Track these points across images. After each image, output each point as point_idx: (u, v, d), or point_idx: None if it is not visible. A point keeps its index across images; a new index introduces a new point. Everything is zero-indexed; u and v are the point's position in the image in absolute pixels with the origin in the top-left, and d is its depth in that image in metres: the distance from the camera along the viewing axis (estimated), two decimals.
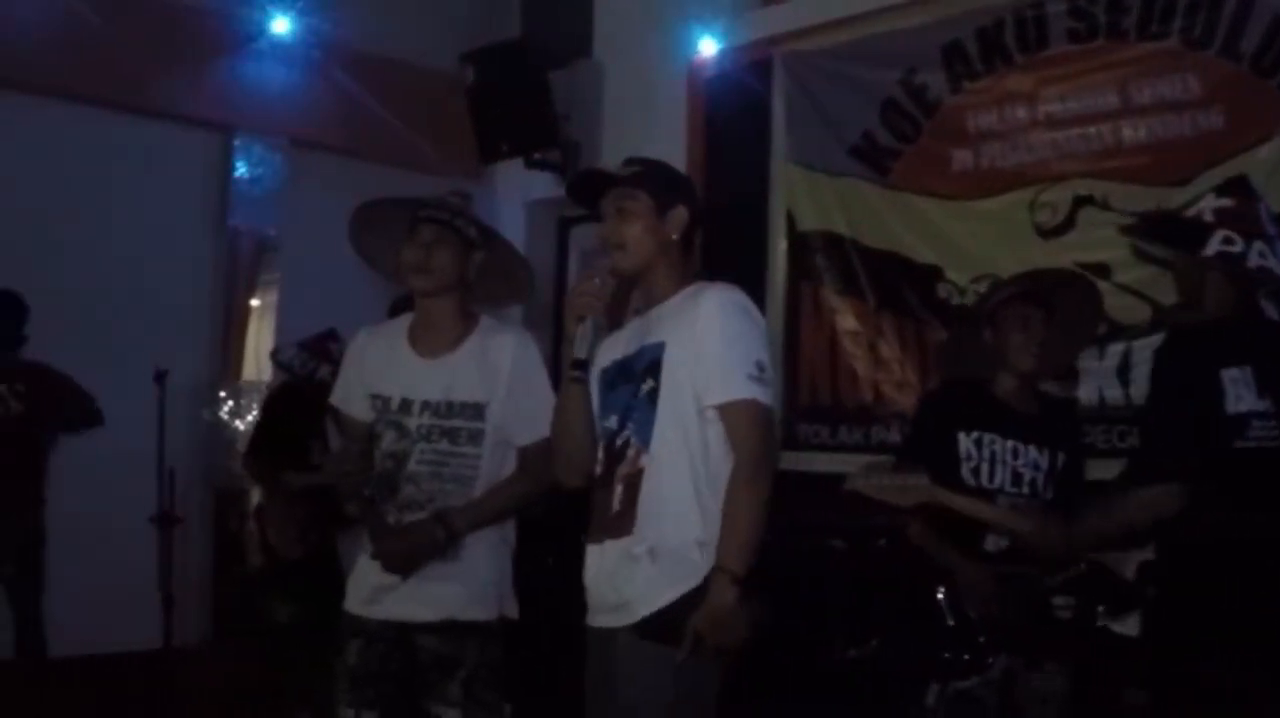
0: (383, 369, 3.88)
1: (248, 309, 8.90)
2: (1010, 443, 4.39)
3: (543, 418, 3.67)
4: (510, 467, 3.84)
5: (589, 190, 3.53)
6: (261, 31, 8.31)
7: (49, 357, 6.88)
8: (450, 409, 3.77)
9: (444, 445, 3.76)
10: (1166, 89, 5.96)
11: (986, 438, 4.39)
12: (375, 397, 3.85)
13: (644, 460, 3.27)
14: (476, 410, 3.76)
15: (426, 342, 3.87)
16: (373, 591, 3.80)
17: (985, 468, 4.37)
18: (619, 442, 3.35)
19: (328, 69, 8.59)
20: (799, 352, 7.26)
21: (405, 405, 3.80)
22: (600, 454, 3.46)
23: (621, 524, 3.28)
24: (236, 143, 8.44)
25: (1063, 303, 4.54)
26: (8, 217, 7.38)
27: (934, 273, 6.69)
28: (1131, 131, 6.07)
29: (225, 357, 8.55)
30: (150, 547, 7.35)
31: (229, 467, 8.36)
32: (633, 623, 3.23)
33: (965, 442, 4.39)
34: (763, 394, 3.20)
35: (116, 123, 7.94)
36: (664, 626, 3.17)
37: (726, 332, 3.23)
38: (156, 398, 6.18)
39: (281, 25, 8.31)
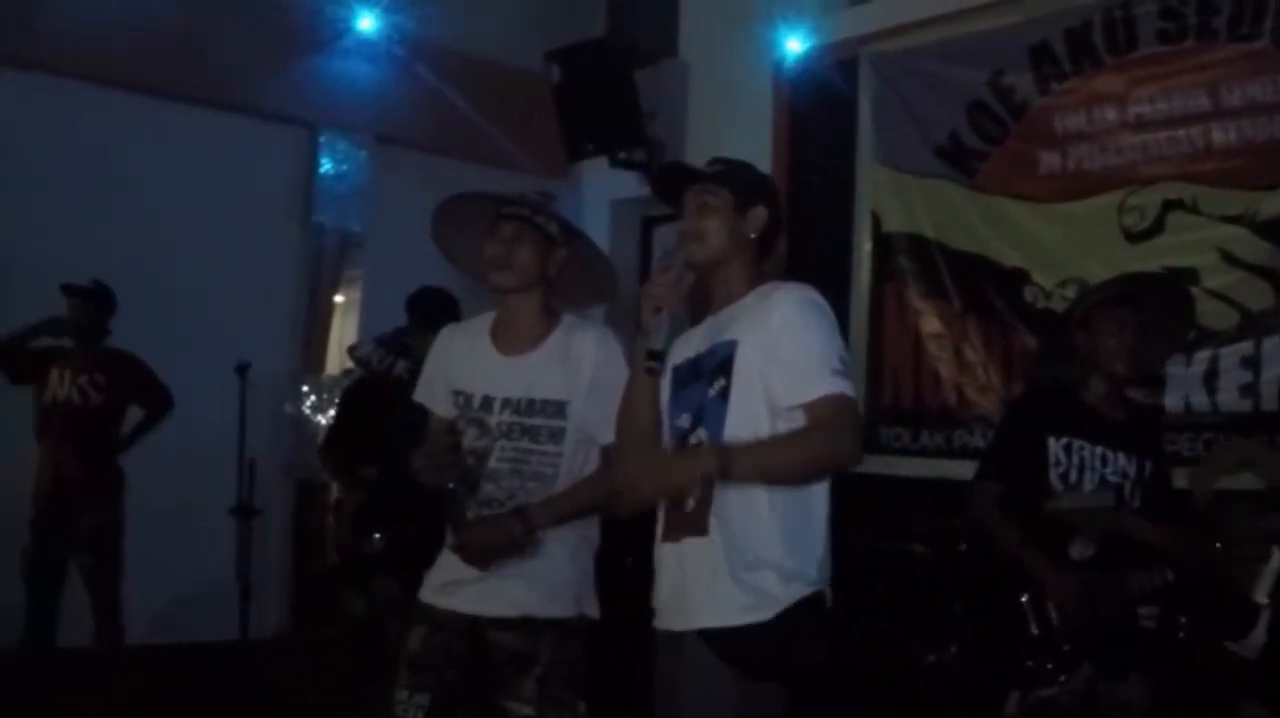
0: (465, 366, 3.85)
1: (331, 304, 8.98)
2: (1099, 449, 4.33)
3: None
4: (593, 465, 3.80)
5: (673, 185, 3.46)
6: (348, 29, 8.35)
7: (134, 348, 6.95)
8: (531, 407, 3.72)
9: (524, 443, 3.71)
10: (1257, 91, 5.88)
11: (1076, 444, 4.33)
12: (457, 393, 3.82)
13: None
14: (558, 408, 3.71)
15: (508, 339, 3.82)
16: (448, 583, 3.76)
17: (1074, 474, 4.31)
18: (692, 440, 3.28)
19: (413, 66, 8.62)
20: (882, 354, 7.22)
21: (486, 403, 3.76)
22: (673, 444, 3.38)
23: (697, 523, 3.19)
24: (322, 139, 8.53)
25: (1155, 307, 4.48)
26: (99, 210, 7.51)
27: (1020, 276, 6.63)
28: (1222, 134, 5.99)
29: (308, 351, 8.63)
30: (229, 538, 7.45)
31: (309, 460, 8.41)
32: (698, 629, 3.15)
33: (1055, 447, 4.33)
34: (849, 388, 3.11)
35: (203, 118, 8.04)
36: (729, 646, 3.10)
37: (807, 329, 3.14)
38: (238, 390, 6.14)
39: (367, 23, 8.35)
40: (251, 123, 8.25)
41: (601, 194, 8.94)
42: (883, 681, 5.39)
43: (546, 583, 3.68)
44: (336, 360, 8.87)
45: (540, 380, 3.73)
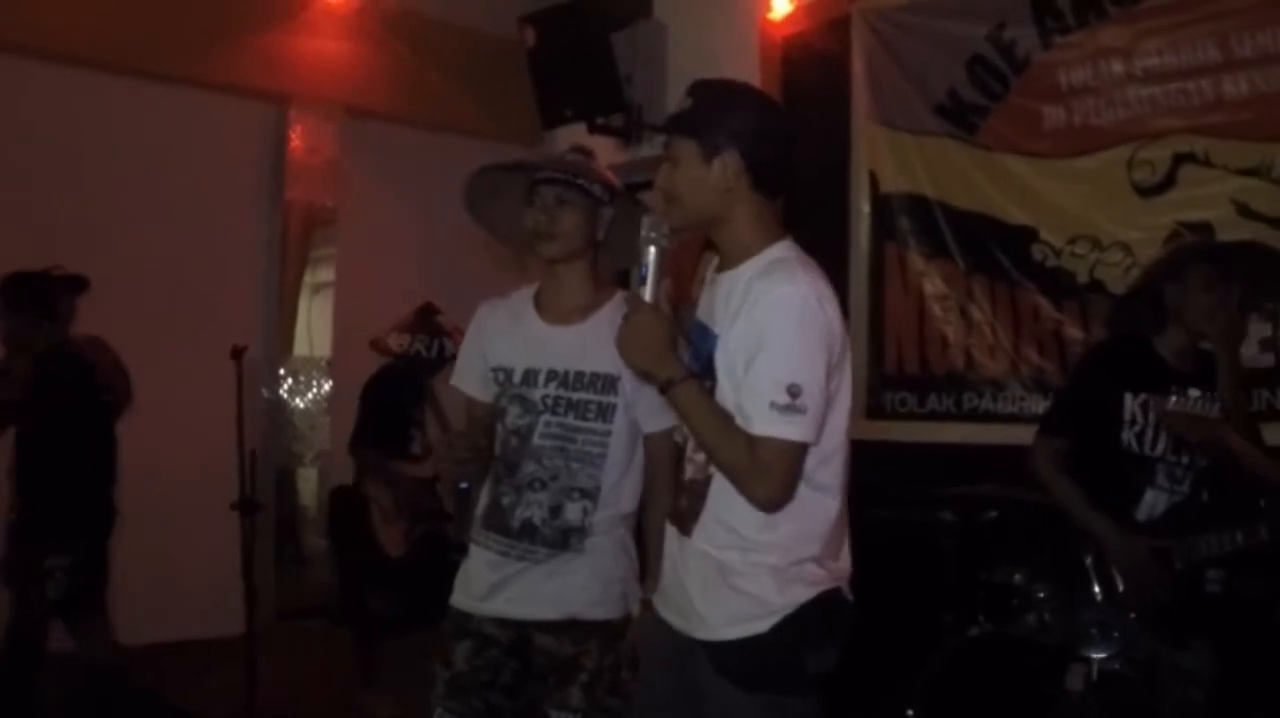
0: (505, 340, 3.60)
1: (299, 284, 8.73)
2: None
3: None
4: (640, 455, 3.58)
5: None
6: None
7: (102, 331, 6.58)
8: (580, 380, 3.48)
9: (570, 419, 3.47)
10: (1269, 41, 5.73)
11: (1153, 401, 4.19)
12: (497, 369, 3.57)
13: (712, 468, 2.93)
14: (608, 383, 3.46)
15: (555, 309, 3.59)
16: (486, 586, 3.53)
17: (1149, 433, 4.19)
18: (678, 436, 3.12)
19: (382, 36, 8.41)
20: (884, 317, 7.07)
21: (529, 376, 3.52)
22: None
23: (687, 522, 3.00)
24: (292, 113, 8.29)
25: (1243, 267, 4.34)
26: (62, 191, 7.26)
27: (1028, 234, 6.48)
28: (1233, 86, 5.84)
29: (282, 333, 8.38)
30: (218, 530, 7.20)
31: (288, 446, 8.21)
32: (703, 640, 2.94)
33: (1131, 404, 4.20)
34: (786, 427, 2.73)
35: (169, 93, 7.83)
36: (725, 660, 2.88)
37: (769, 345, 2.77)
38: (235, 376, 5.86)
39: None
40: (220, 98, 8.04)
41: None
42: (920, 655, 5.22)
43: (593, 582, 3.46)
44: (305, 342, 8.64)
45: (590, 353, 3.47)
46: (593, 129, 8.20)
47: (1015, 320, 6.53)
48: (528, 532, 3.46)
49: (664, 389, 2.84)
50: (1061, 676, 4.31)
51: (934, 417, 6.80)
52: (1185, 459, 4.18)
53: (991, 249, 6.61)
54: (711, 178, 2.92)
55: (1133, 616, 4.11)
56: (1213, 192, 5.87)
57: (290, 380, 8.25)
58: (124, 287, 7.02)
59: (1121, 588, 4.14)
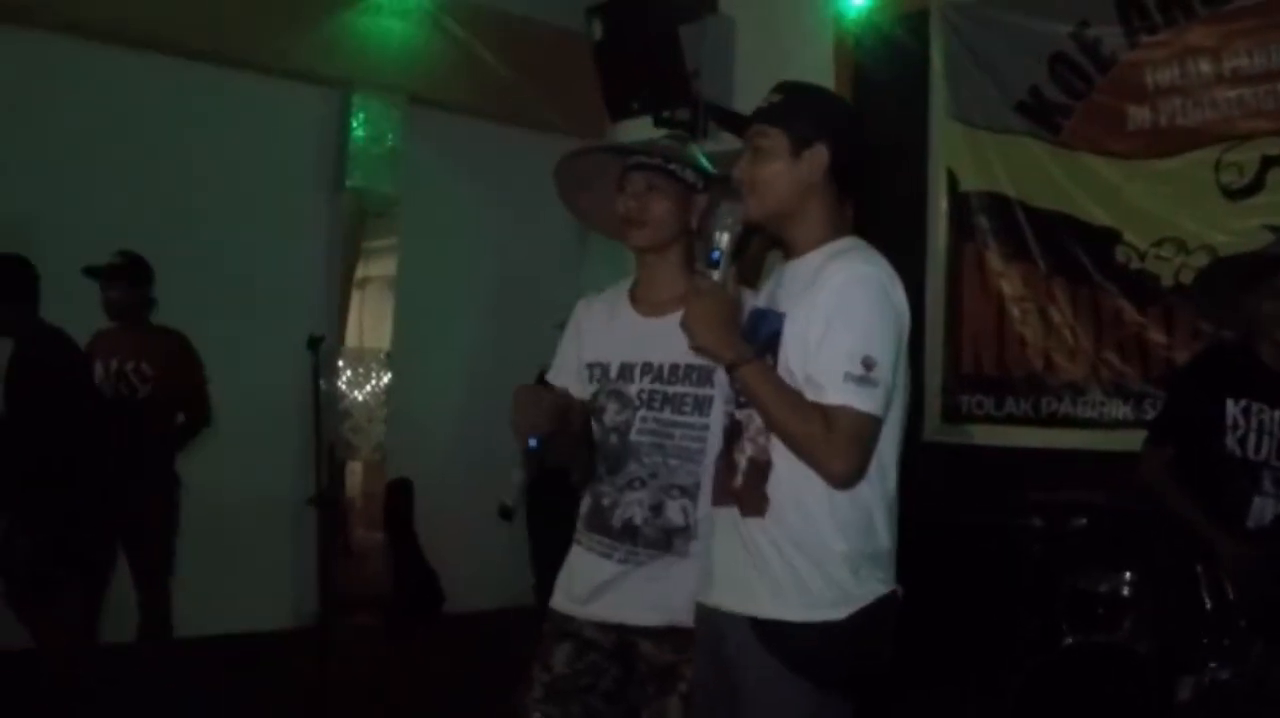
0: (601, 335, 3.49)
1: (352, 275, 8.64)
2: (1278, 413, 4.10)
3: None
4: None
5: (738, 129, 3.10)
6: None
7: (158, 316, 6.49)
8: (675, 373, 3.34)
9: (667, 414, 3.33)
10: None
11: (1255, 406, 4.14)
12: (593, 366, 3.48)
13: (774, 451, 2.84)
14: (704, 375, 3.30)
15: (649, 301, 3.46)
16: (588, 587, 3.39)
17: (1252, 438, 4.11)
18: (739, 412, 2.97)
19: (447, 24, 8.32)
20: (961, 318, 6.96)
21: (625, 371, 3.40)
22: (726, 412, 3.08)
23: (751, 501, 2.87)
24: (355, 99, 8.19)
25: None
26: (125, 176, 7.20)
27: (1111, 235, 6.39)
28: None
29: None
30: (281, 524, 7.17)
31: (348, 439, 8.13)
32: (753, 617, 2.82)
33: (1233, 409, 4.13)
34: (861, 399, 2.68)
35: (232, 79, 7.73)
36: (789, 643, 2.76)
37: (842, 317, 2.73)
38: (311, 367, 5.74)
39: None
40: (282, 84, 7.95)
41: None
42: (1006, 664, 5.12)
43: (695, 588, 3.36)
44: (355, 334, 8.57)
45: (685, 344, 3.38)
46: (659, 123, 8.09)
47: (1097, 323, 6.43)
48: (629, 533, 3.33)
49: (731, 369, 2.79)
50: (1169, 686, 4.21)
51: (1011, 420, 6.69)
52: None
53: (1073, 250, 6.51)
54: (798, 171, 2.87)
55: (1244, 624, 4.00)
56: None
57: (349, 372, 8.16)
58: (182, 273, 6.93)
59: (1232, 596, 4.04)
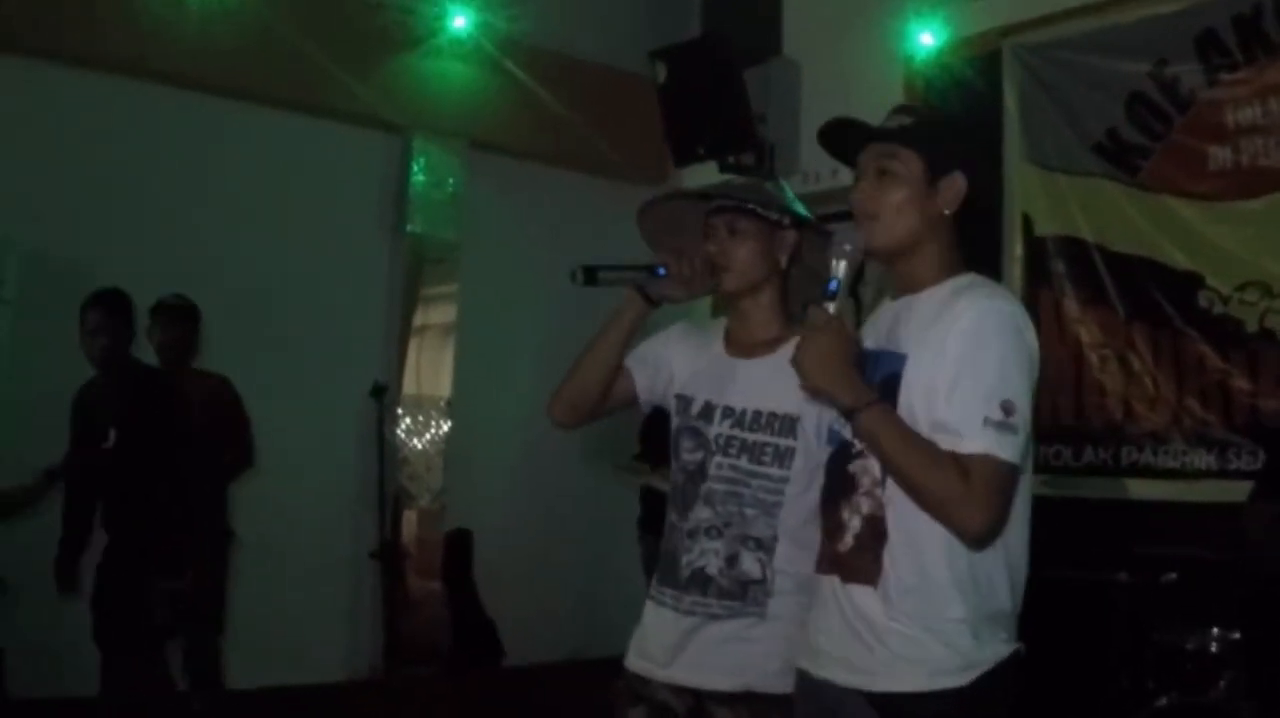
0: (690, 367, 3.36)
1: (410, 321, 8.55)
2: None
3: None
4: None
5: (846, 145, 2.87)
6: (440, 28, 8.04)
7: (216, 362, 6.47)
8: (757, 420, 3.21)
9: (744, 462, 3.19)
10: None
11: None
12: (679, 397, 3.33)
13: (885, 498, 2.65)
14: (788, 425, 3.18)
15: (741, 341, 3.34)
16: (665, 649, 3.23)
17: None
18: (852, 464, 2.75)
19: (507, 68, 8.27)
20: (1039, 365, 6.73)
21: (707, 410, 3.27)
22: (825, 460, 2.89)
23: (862, 568, 2.67)
24: (415, 144, 8.14)
25: None
26: (183, 218, 7.15)
27: (1194, 280, 6.23)
28: None
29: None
30: (328, 570, 7.02)
31: (405, 487, 8.00)
32: (869, 692, 2.62)
33: None
34: (1002, 446, 2.48)
35: (292, 122, 7.72)
36: (916, 716, 2.57)
37: (978, 357, 2.54)
38: (375, 415, 5.62)
39: (460, 22, 8.05)
40: (342, 128, 7.91)
41: None
42: None
43: (774, 652, 3.11)
44: (414, 381, 8.46)
45: (772, 390, 3.18)
46: (724, 168, 7.97)
47: (1178, 371, 6.26)
48: (699, 582, 3.19)
49: (850, 413, 2.57)
50: None
51: (1090, 471, 6.51)
52: None
53: (1153, 295, 6.35)
54: (933, 199, 2.71)
55: None
56: None
57: (408, 420, 8.04)
58: (240, 317, 6.95)
59: None
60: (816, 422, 3.10)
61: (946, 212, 2.72)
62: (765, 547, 3.17)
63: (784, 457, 3.17)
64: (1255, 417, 5.93)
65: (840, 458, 2.78)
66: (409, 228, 8.13)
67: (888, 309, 2.81)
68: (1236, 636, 4.72)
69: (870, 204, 2.71)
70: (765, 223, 3.26)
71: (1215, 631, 4.86)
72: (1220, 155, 6.19)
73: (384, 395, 5.58)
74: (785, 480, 3.16)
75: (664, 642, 3.23)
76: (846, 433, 2.72)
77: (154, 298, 6.10)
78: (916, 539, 2.57)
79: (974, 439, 2.45)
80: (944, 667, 2.55)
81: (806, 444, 3.15)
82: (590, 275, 3.20)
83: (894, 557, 2.60)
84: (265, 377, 6.63)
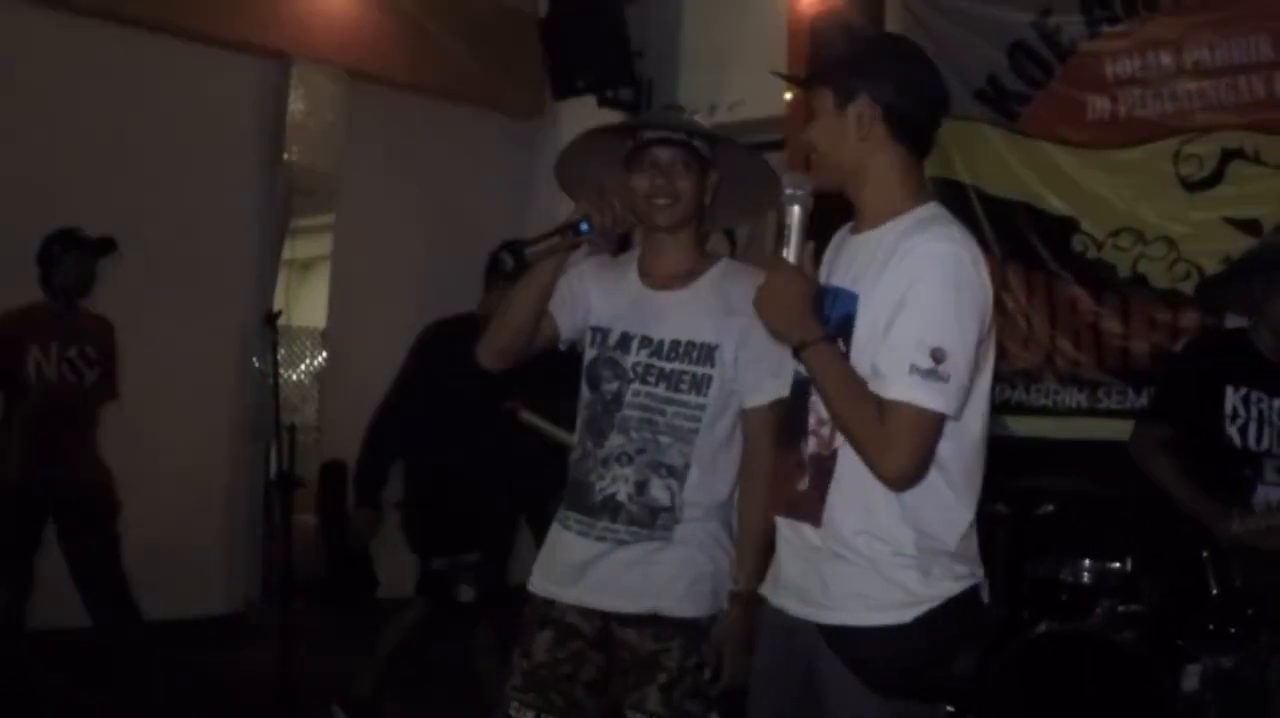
0: (606, 298, 3.38)
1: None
2: (1277, 403, 4.08)
3: (777, 377, 3.11)
4: (734, 430, 3.30)
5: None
6: None
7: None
8: (675, 349, 3.27)
9: (661, 390, 3.25)
10: None
11: (1254, 395, 4.10)
12: (595, 329, 3.37)
13: (839, 441, 2.65)
14: (705, 354, 3.25)
15: (657, 273, 3.38)
16: (570, 570, 3.30)
17: (1253, 428, 4.07)
18: (807, 403, 2.76)
19: None
20: None
21: (624, 341, 3.31)
22: (788, 399, 2.90)
23: (810, 508, 2.71)
24: (294, 72, 8.01)
25: None
26: (46, 146, 6.97)
27: (1068, 224, 6.39)
28: None
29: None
30: (204, 503, 6.97)
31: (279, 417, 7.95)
32: (819, 623, 2.67)
33: (1233, 398, 4.10)
34: (924, 392, 2.47)
35: (165, 46, 7.49)
36: (855, 650, 2.61)
37: (918, 301, 2.51)
38: (271, 343, 5.56)
39: None
40: (219, 53, 7.73)
41: None
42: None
43: (680, 576, 3.22)
44: (288, 312, 8.37)
45: (690, 320, 3.26)
46: (602, 102, 8.03)
47: (1051, 312, 6.43)
48: (609, 508, 3.25)
49: (798, 351, 2.61)
50: (1156, 677, 4.18)
51: None
52: None
53: (1029, 238, 6.50)
54: (846, 126, 2.68)
55: (1251, 612, 3.97)
56: (1262, 189, 5.82)
57: (283, 351, 7.98)
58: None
59: (1239, 582, 4.00)
60: (735, 350, 3.21)
61: (865, 135, 2.67)
62: (676, 474, 3.24)
63: (700, 384, 3.24)
64: (1125, 358, 6.13)
65: (797, 397, 2.81)
66: (286, 157, 8.00)
67: (846, 242, 2.83)
68: (1114, 566, 4.89)
69: (807, 141, 2.77)
70: (701, 160, 3.31)
71: (1088, 562, 5.02)
72: (1099, 105, 6.34)
73: (276, 323, 5.49)
74: (702, 408, 3.24)
75: (570, 562, 3.29)
76: (802, 370, 2.75)
77: (17, 231, 5.98)
78: (862, 477, 2.59)
79: (896, 385, 2.48)
80: (885, 601, 2.58)
81: (723, 372, 3.24)
82: (519, 258, 3.18)
83: (841, 495, 2.64)
84: (137, 307, 6.50)
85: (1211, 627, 4.02)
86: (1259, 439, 4.07)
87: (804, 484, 2.73)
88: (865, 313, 2.61)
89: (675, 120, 3.46)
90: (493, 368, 3.38)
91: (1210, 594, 4.03)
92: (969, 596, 2.63)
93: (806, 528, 2.70)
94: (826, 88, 2.72)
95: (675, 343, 3.26)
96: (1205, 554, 4.04)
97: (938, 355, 2.46)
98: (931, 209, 2.71)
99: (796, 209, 2.66)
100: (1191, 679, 4.03)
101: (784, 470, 2.83)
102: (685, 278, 3.33)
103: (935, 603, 2.58)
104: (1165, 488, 4.15)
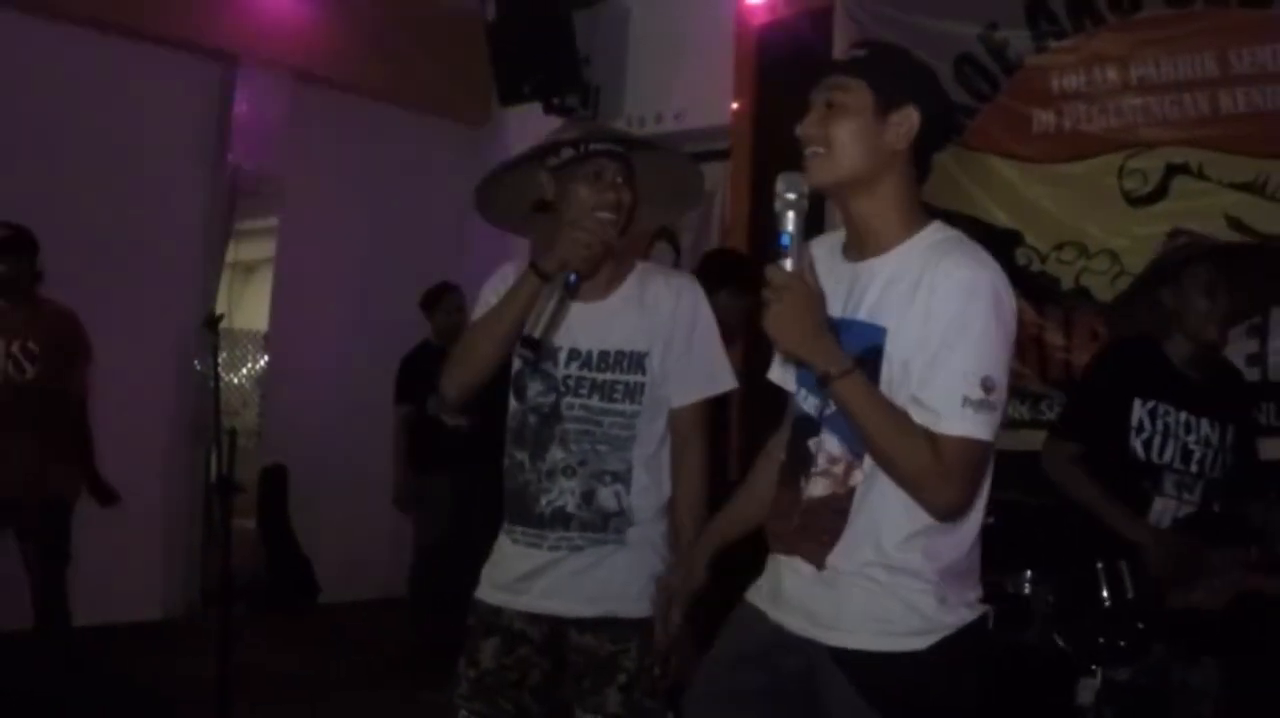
0: (534, 311, 3.26)
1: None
2: (1184, 415, 4.08)
3: (707, 375, 3.26)
4: (664, 430, 3.31)
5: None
6: None
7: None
8: (605, 360, 3.26)
9: (595, 402, 3.24)
10: (1268, 59, 5.73)
11: (1161, 408, 4.06)
12: (522, 339, 3.26)
13: (856, 478, 2.59)
14: (636, 362, 3.25)
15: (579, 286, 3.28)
16: (518, 578, 3.27)
17: (1157, 441, 4.06)
18: (817, 437, 2.69)
19: None
20: None
21: (552, 354, 3.28)
22: (788, 436, 2.84)
23: (814, 552, 2.63)
24: (239, 73, 7.94)
25: (1242, 269, 4.20)
26: None
27: (1013, 238, 6.40)
28: (1230, 100, 5.83)
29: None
30: (141, 508, 6.88)
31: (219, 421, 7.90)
32: (830, 646, 2.59)
33: (1140, 410, 4.05)
34: (978, 427, 2.41)
35: (108, 45, 7.42)
36: (867, 675, 2.54)
37: (961, 333, 2.44)
38: (211, 347, 5.47)
39: None
40: (165, 52, 7.66)
41: (530, 141, 8.47)
42: None
43: (634, 577, 3.22)
44: (230, 315, 8.32)
45: (615, 330, 3.25)
46: (549, 109, 8.03)
47: None
48: (560, 519, 3.23)
49: (825, 382, 2.48)
50: (1070, 688, 4.18)
51: None
52: (1194, 468, 4.07)
53: None
54: (883, 132, 2.57)
55: (1141, 626, 3.97)
56: (1205, 204, 5.84)
57: (224, 354, 7.92)
58: (52, 248, 6.62)
59: (1131, 595, 4.00)
60: (661, 354, 3.23)
61: (899, 147, 2.58)
62: (621, 478, 3.24)
63: (634, 392, 3.24)
64: (1068, 370, 6.14)
65: (800, 434, 2.75)
66: (230, 159, 7.93)
67: (839, 269, 2.70)
68: (1029, 575, 4.91)
69: (814, 134, 2.61)
70: (631, 171, 3.28)
71: (1029, 573, 5.03)
72: (1044, 119, 6.38)
73: (218, 326, 5.41)
74: (636, 415, 3.24)
75: (519, 571, 3.27)
76: (807, 407, 2.71)
77: None
78: (877, 513, 2.55)
79: (952, 421, 2.40)
80: (902, 627, 2.53)
81: (653, 378, 3.25)
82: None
83: (854, 534, 2.58)
84: (77, 308, 6.38)
85: (1101, 640, 4.01)
86: (1162, 452, 4.05)
87: (809, 524, 2.67)
88: (896, 347, 2.52)
89: (614, 132, 3.43)
90: (457, 403, 3.35)
91: (1103, 607, 4.02)
92: (980, 624, 2.61)
93: (812, 569, 2.65)
94: (865, 85, 2.58)
95: (604, 353, 3.25)
96: (1099, 566, 4.04)
97: (987, 385, 2.41)
98: (943, 230, 2.63)
99: (792, 215, 2.49)
100: (1087, 693, 4.03)
101: (782, 509, 2.77)
102: (606, 286, 3.30)
103: (950, 631, 2.53)
104: (1084, 504, 4.14)
